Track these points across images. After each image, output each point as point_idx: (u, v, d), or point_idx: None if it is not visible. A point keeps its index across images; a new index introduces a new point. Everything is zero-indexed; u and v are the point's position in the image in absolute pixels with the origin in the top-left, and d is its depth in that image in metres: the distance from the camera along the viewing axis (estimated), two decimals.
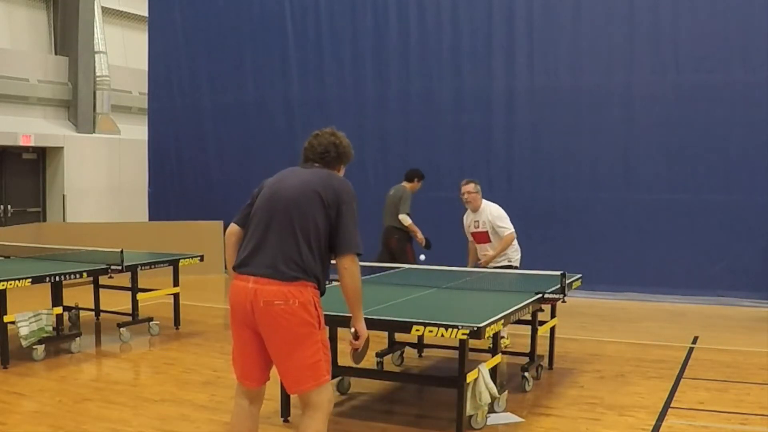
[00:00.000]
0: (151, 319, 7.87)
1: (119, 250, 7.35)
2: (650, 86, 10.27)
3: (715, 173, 9.96)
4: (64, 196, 14.73)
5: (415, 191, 9.18)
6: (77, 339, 7.14)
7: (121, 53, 16.58)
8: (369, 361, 5.50)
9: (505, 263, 7.29)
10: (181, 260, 8.13)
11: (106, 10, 16.13)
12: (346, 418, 5.07)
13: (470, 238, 7.52)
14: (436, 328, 4.43)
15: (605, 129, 10.52)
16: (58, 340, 7.13)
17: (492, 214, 7.26)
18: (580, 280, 6.55)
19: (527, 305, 5.34)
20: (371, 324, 3.83)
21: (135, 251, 8.32)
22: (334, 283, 3.75)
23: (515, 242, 7.31)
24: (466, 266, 7.44)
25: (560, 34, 10.70)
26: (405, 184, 9.20)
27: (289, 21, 12.48)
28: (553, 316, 6.41)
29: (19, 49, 14.66)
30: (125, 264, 7.22)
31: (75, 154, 14.87)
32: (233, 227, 3.79)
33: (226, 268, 3.89)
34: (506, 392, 5.32)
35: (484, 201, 7.39)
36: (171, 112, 13.78)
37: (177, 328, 8.10)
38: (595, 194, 10.56)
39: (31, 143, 14.21)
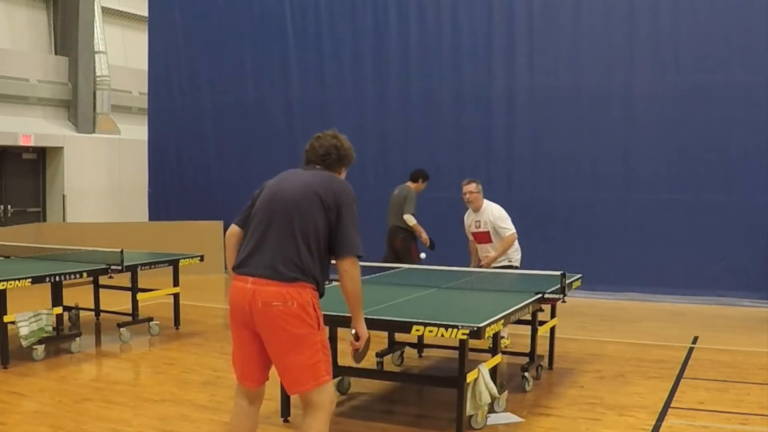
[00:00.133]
0: (151, 319, 7.87)
1: (119, 250, 7.34)
2: (650, 86, 10.27)
3: (715, 173, 9.96)
4: (64, 196, 14.73)
5: (420, 191, 9.20)
6: (77, 339, 7.14)
7: (121, 53, 16.59)
8: (369, 361, 5.50)
9: (506, 263, 7.28)
10: (181, 260, 8.13)
11: (106, 10, 16.13)
12: (346, 418, 5.07)
13: (471, 238, 7.51)
14: (436, 328, 4.43)
15: (605, 129, 10.52)
16: (58, 340, 7.13)
17: (493, 215, 7.25)
18: (580, 280, 6.55)
19: (527, 305, 5.34)
20: (371, 324, 3.83)
21: (135, 251, 8.32)
22: (334, 283, 3.75)
23: (516, 242, 7.31)
24: (466, 266, 7.43)
25: (560, 34, 10.70)
26: (410, 184, 9.22)
27: (289, 21, 12.49)
28: (553, 316, 6.41)
29: (19, 49, 14.67)
30: (125, 264, 7.21)
31: (75, 154, 14.87)
32: (233, 228, 3.80)
33: (226, 268, 3.89)
34: (506, 392, 5.32)
35: (485, 201, 7.38)
36: (171, 112, 13.78)
37: (177, 328, 8.10)
38: (595, 194, 10.56)
39: (31, 143, 14.21)
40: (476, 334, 4.35)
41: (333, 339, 4.75)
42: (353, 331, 3.69)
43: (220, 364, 6.54)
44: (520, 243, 7.36)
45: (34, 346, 6.67)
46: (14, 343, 6.58)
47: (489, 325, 4.48)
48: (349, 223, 3.54)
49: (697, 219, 10.02)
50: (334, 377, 3.92)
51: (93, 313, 8.23)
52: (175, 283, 8.16)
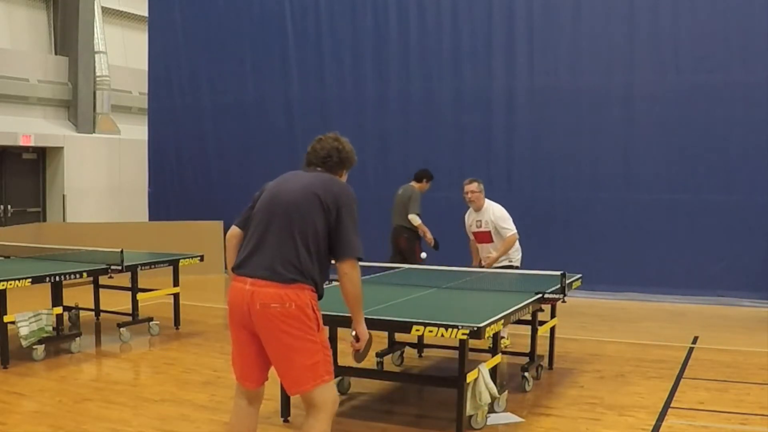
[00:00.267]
0: (151, 319, 7.87)
1: (119, 250, 7.35)
2: (650, 86, 10.27)
3: (715, 173, 9.96)
4: (64, 196, 14.73)
5: (424, 191, 9.22)
6: (77, 339, 7.14)
7: (121, 53, 16.59)
8: (369, 361, 5.50)
9: (506, 263, 7.27)
10: (181, 260, 8.13)
11: (106, 10, 16.13)
12: (346, 418, 5.07)
13: (471, 238, 7.51)
14: (436, 328, 4.43)
15: (605, 129, 10.52)
16: (58, 340, 7.13)
17: (495, 215, 7.23)
18: (580, 280, 6.55)
19: (527, 305, 5.34)
20: (371, 324, 3.83)
21: (135, 251, 8.32)
22: (334, 283, 3.75)
23: (517, 242, 7.30)
24: (467, 266, 7.43)
25: (560, 34, 10.70)
26: (414, 183, 9.24)
27: (289, 21, 12.49)
28: (553, 316, 6.41)
29: (19, 49, 14.67)
30: (125, 264, 7.21)
31: (75, 154, 14.87)
32: (234, 229, 3.80)
33: (226, 268, 3.90)
34: (506, 392, 5.32)
35: (486, 200, 7.36)
36: (171, 112, 13.78)
37: (177, 328, 8.10)
38: (595, 194, 10.57)
39: (31, 143, 14.22)
40: (476, 334, 4.35)
41: (333, 339, 4.75)
42: (353, 333, 3.69)
43: (220, 364, 6.54)
44: (520, 243, 7.35)
45: (34, 346, 6.67)
46: (14, 343, 6.58)
47: (489, 325, 4.48)
48: (348, 225, 3.53)
49: (697, 219, 10.02)
50: (334, 377, 3.92)
51: (93, 313, 8.23)
52: (175, 283, 8.16)
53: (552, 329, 6.43)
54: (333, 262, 3.60)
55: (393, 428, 4.96)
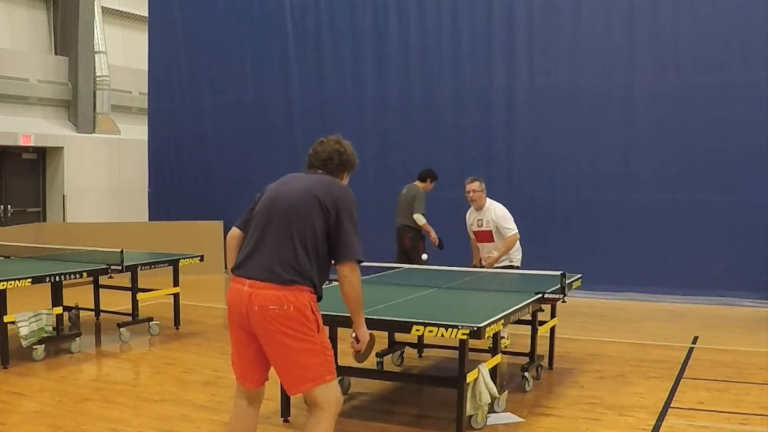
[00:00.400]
0: (151, 319, 7.87)
1: (119, 250, 7.34)
2: (650, 86, 10.27)
3: (715, 173, 9.96)
4: (64, 196, 14.73)
5: (428, 191, 9.23)
6: (77, 339, 7.14)
7: (121, 53, 16.59)
8: (369, 361, 5.48)
9: (507, 263, 7.27)
10: (181, 260, 8.13)
11: (106, 10, 16.13)
12: (346, 418, 5.06)
13: (472, 237, 7.51)
14: (436, 328, 4.43)
15: (605, 129, 10.53)
16: (58, 340, 7.13)
17: (496, 214, 7.22)
18: (580, 280, 6.55)
19: (527, 305, 5.34)
20: (371, 324, 3.82)
21: (135, 251, 8.32)
22: (334, 283, 3.75)
23: (517, 242, 7.29)
24: (467, 266, 7.43)
25: (560, 34, 10.70)
26: (418, 183, 9.25)
27: (289, 21, 12.49)
28: (553, 316, 6.41)
29: (19, 49, 14.67)
30: (125, 264, 7.21)
31: (75, 154, 14.87)
32: (234, 231, 3.81)
33: (226, 267, 3.90)
34: (506, 392, 5.32)
35: (488, 200, 7.36)
36: (171, 112, 13.78)
37: (177, 328, 8.10)
38: (595, 194, 10.56)
39: (31, 143, 14.22)
40: (476, 334, 4.35)
41: (333, 339, 4.75)
42: (353, 335, 3.70)
43: (220, 364, 6.54)
44: (520, 243, 7.35)
45: (34, 346, 6.67)
46: (14, 343, 6.59)
47: (489, 325, 4.48)
48: (348, 227, 3.53)
49: (697, 219, 10.02)
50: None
51: (93, 313, 8.23)
52: (175, 283, 8.16)
53: (552, 329, 6.43)
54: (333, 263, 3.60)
55: (393, 428, 4.96)
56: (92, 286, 8.17)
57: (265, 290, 3.43)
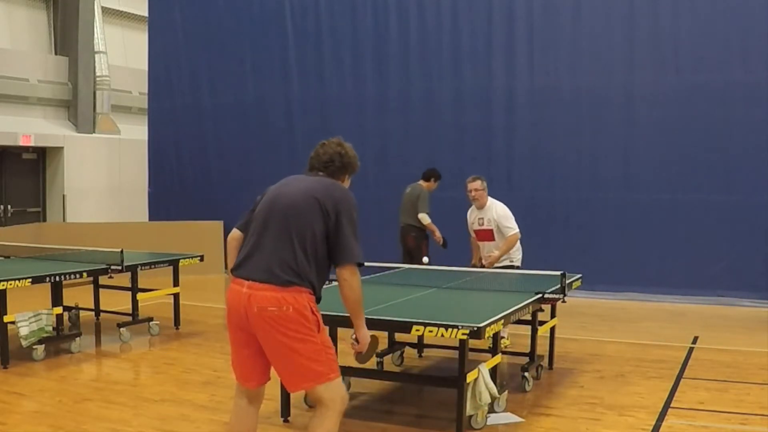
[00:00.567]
0: (151, 319, 7.87)
1: (119, 250, 7.34)
2: (650, 86, 10.27)
3: (715, 173, 9.96)
4: (64, 196, 14.73)
5: (432, 191, 9.23)
6: (77, 339, 7.14)
7: (121, 53, 16.59)
8: (369, 361, 5.49)
9: (507, 263, 7.27)
10: (181, 260, 8.13)
11: (106, 10, 16.13)
12: (346, 418, 5.01)
13: (473, 235, 7.50)
14: (436, 328, 4.43)
15: (605, 129, 10.53)
16: (58, 340, 7.13)
17: (497, 213, 7.22)
18: (580, 280, 6.54)
19: (527, 305, 5.34)
20: (371, 324, 3.83)
21: (135, 251, 8.32)
22: (334, 283, 3.75)
23: (518, 242, 7.29)
24: (467, 265, 7.43)
25: (560, 34, 10.70)
26: (422, 182, 9.26)
27: (289, 21, 12.49)
28: (553, 316, 6.41)
29: (19, 49, 14.67)
30: (125, 264, 7.21)
31: (75, 154, 14.87)
32: (235, 232, 3.81)
33: (226, 269, 3.89)
34: (506, 392, 5.32)
35: (490, 199, 7.35)
36: (171, 112, 13.79)
37: (177, 328, 8.10)
38: (595, 194, 10.56)
39: (31, 143, 14.21)
40: (476, 334, 4.35)
41: (333, 339, 4.75)
42: (353, 336, 3.70)
43: (220, 364, 6.54)
44: (521, 242, 7.34)
45: (34, 346, 6.67)
46: (14, 343, 6.59)
47: (489, 325, 4.48)
48: (348, 230, 3.52)
49: (697, 219, 10.02)
50: None
51: (93, 313, 8.23)
52: (175, 283, 8.16)
53: (552, 329, 6.43)
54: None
55: (393, 428, 4.96)
56: (92, 286, 8.17)
57: (264, 291, 3.43)
